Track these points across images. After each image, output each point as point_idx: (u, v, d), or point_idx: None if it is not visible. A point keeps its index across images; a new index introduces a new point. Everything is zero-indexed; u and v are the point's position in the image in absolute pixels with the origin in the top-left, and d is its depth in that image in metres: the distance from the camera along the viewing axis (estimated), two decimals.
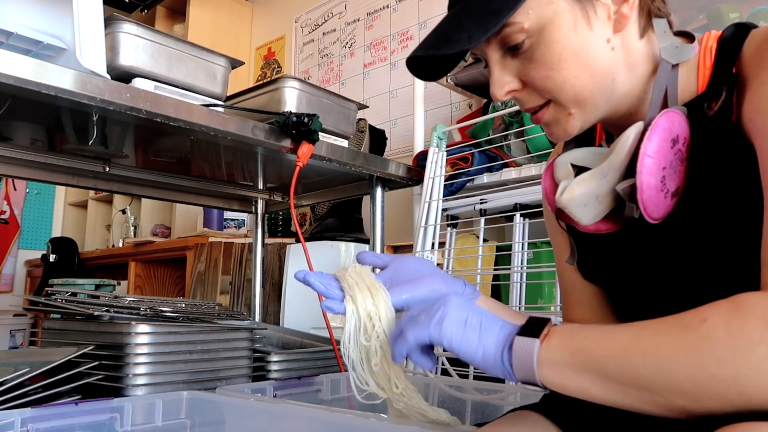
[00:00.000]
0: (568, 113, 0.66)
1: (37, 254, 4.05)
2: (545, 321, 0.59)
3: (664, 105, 0.64)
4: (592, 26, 0.63)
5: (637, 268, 0.72)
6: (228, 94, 1.51)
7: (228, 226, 3.17)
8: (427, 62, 0.71)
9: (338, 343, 1.41)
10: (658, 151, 0.59)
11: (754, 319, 0.49)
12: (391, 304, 0.71)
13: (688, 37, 0.67)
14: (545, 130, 0.69)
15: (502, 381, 1.16)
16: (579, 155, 0.68)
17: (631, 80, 0.66)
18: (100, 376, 1.09)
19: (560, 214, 0.70)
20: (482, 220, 1.74)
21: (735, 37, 0.63)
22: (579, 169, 0.68)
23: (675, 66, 0.65)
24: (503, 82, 0.66)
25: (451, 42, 0.62)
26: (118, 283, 3.24)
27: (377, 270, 0.78)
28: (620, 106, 0.67)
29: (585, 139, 0.76)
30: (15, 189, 4.13)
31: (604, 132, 0.77)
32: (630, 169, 0.61)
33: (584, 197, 0.64)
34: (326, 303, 0.72)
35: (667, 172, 0.61)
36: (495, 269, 1.76)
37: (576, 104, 0.65)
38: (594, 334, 0.56)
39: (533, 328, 0.58)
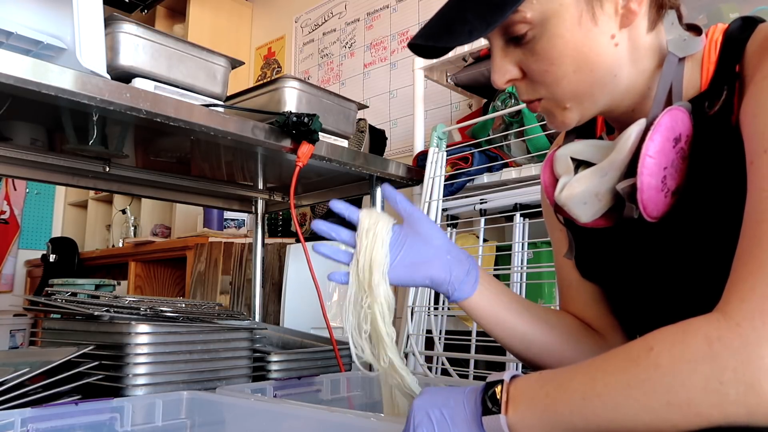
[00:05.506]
0: (564, 107, 0.65)
1: (37, 254, 4.05)
2: (499, 387, 0.56)
3: (668, 101, 0.62)
4: (597, 22, 0.61)
5: (634, 264, 0.71)
6: (228, 94, 1.51)
7: (228, 226, 3.16)
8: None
9: (338, 343, 1.41)
10: (659, 151, 0.58)
11: (697, 339, 0.48)
12: (389, 284, 0.73)
13: (696, 30, 0.66)
14: (545, 118, 0.69)
15: None
16: (579, 148, 0.67)
17: (635, 75, 0.64)
18: (100, 376, 1.09)
19: (558, 209, 0.69)
20: (482, 220, 1.74)
21: (740, 31, 0.61)
22: (579, 163, 0.67)
23: (681, 60, 0.63)
24: (504, 70, 0.65)
25: (452, 34, 0.61)
26: (118, 283, 3.24)
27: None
28: (622, 101, 0.66)
29: (586, 130, 0.75)
30: (15, 189, 4.14)
31: (605, 124, 0.76)
32: (631, 168, 0.61)
33: (584, 195, 0.64)
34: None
35: (668, 172, 0.60)
36: (495, 269, 1.75)
37: (573, 99, 0.64)
38: (552, 388, 0.54)
39: (493, 402, 0.56)
